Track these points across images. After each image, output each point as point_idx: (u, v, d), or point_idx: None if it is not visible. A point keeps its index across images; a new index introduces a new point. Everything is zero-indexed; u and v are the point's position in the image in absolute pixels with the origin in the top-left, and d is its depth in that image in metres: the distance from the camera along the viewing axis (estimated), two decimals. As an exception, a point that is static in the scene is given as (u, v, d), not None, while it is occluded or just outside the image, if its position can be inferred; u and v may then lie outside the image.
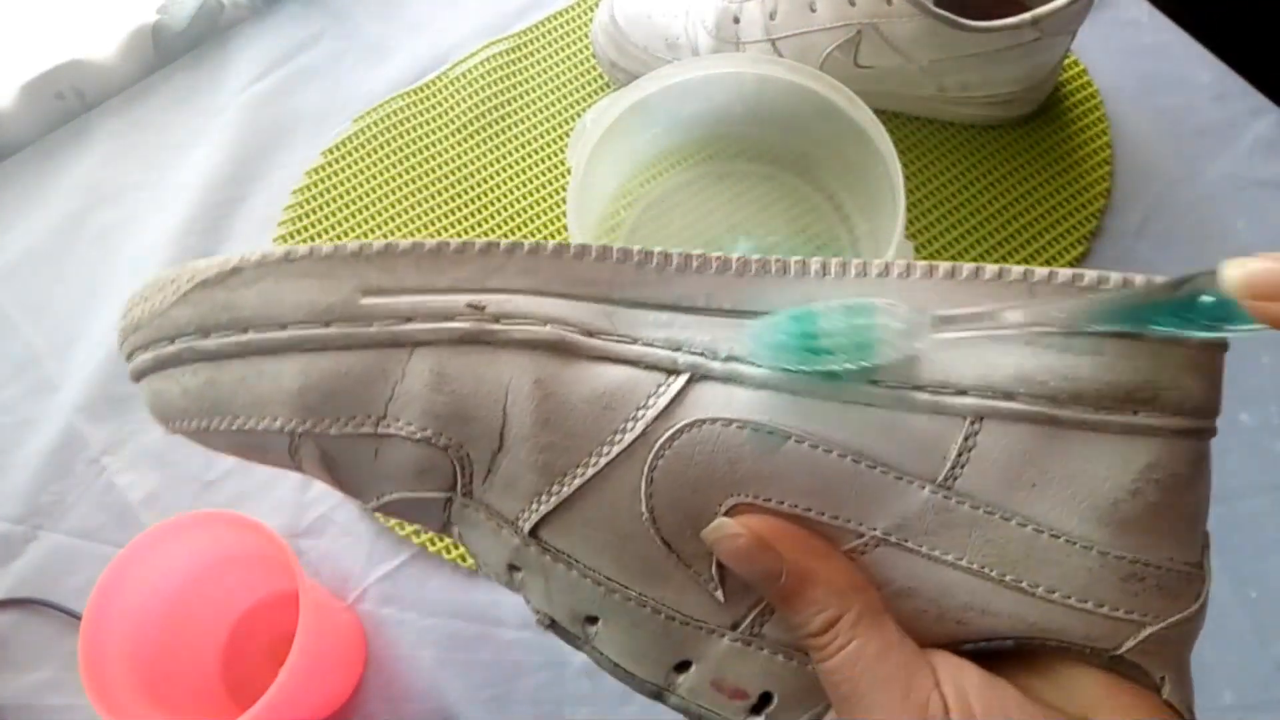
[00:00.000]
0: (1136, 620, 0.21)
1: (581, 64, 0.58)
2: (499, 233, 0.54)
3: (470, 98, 0.57)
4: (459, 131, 0.56)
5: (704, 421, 0.22)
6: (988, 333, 0.21)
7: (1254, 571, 0.45)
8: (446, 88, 0.58)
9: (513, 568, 0.24)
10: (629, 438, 0.22)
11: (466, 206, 0.54)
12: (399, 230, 0.54)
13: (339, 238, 0.54)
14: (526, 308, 0.23)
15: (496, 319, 0.23)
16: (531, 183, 0.55)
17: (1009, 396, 0.21)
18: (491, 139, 0.56)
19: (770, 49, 0.50)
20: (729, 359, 0.22)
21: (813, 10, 0.49)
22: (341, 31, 0.60)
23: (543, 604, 0.24)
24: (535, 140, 0.56)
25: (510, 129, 0.56)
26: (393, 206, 0.54)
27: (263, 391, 0.23)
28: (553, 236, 0.54)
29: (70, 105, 0.57)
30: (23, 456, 0.49)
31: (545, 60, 0.59)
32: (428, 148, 0.56)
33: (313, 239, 0.54)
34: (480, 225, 0.54)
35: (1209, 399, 0.22)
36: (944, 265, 0.23)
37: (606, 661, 0.24)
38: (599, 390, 0.22)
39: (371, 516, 0.47)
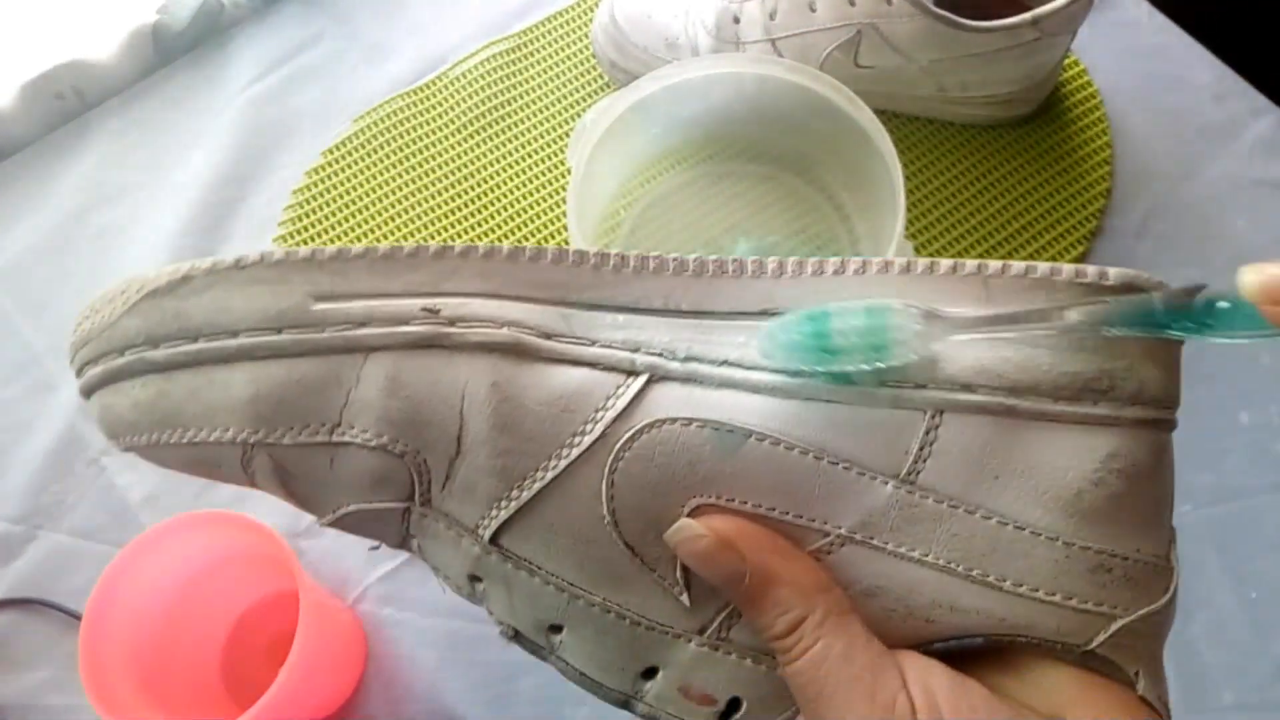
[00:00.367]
0: (1106, 613, 0.21)
1: (581, 64, 0.58)
2: (499, 233, 0.54)
3: (470, 98, 0.57)
4: (459, 131, 0.56)
5: (664, 422, 0.22)
6: (1004, 334, 0.21)
7: (1254, 571, 0.45)
8: (446, 88, 0.58)
9: (474, 578, 0.24)
10: (588, 440, 0.22)
11: (466, 206, 0.54)
12: (399, 230, 0.54)
13: (339, 238, 0.54)
14: (483, 311, 0.22)
15: (452, 322, 0.22)
16: (531, 183, 0.55)
17: (968, 389, 0.21)
18: (491, 139, 0.56)
19: (770, 49, 0.50)
20: (688, 359, 0.22)
21: (813, 10, 0.49)
22: (341, 32, 0.60)
23: (506, 615, 0.24)
24: (535, 140, 0.56)
25: (510, 129, 0.56)
26: (393, 206, 0.54)
27: (213, 401, 0.22)
28: (553, 236, 0.54)
29: (70, 105, 0.57)
30: (23, 456, 0.49)
31: (545, 60, 0.59)
32: (428, 148, 0.56)
33: (313, 239, 0.54)
34: (480, 225, 0.54)
35: (1167, 389, 0.22)
36: (899, 261, 0.23)
37: (572, 671, 0.23)
38: (557, 393, 0.22)
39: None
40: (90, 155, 0.56)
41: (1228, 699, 0.43)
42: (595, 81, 0.58)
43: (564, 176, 0.55)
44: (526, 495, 0.22)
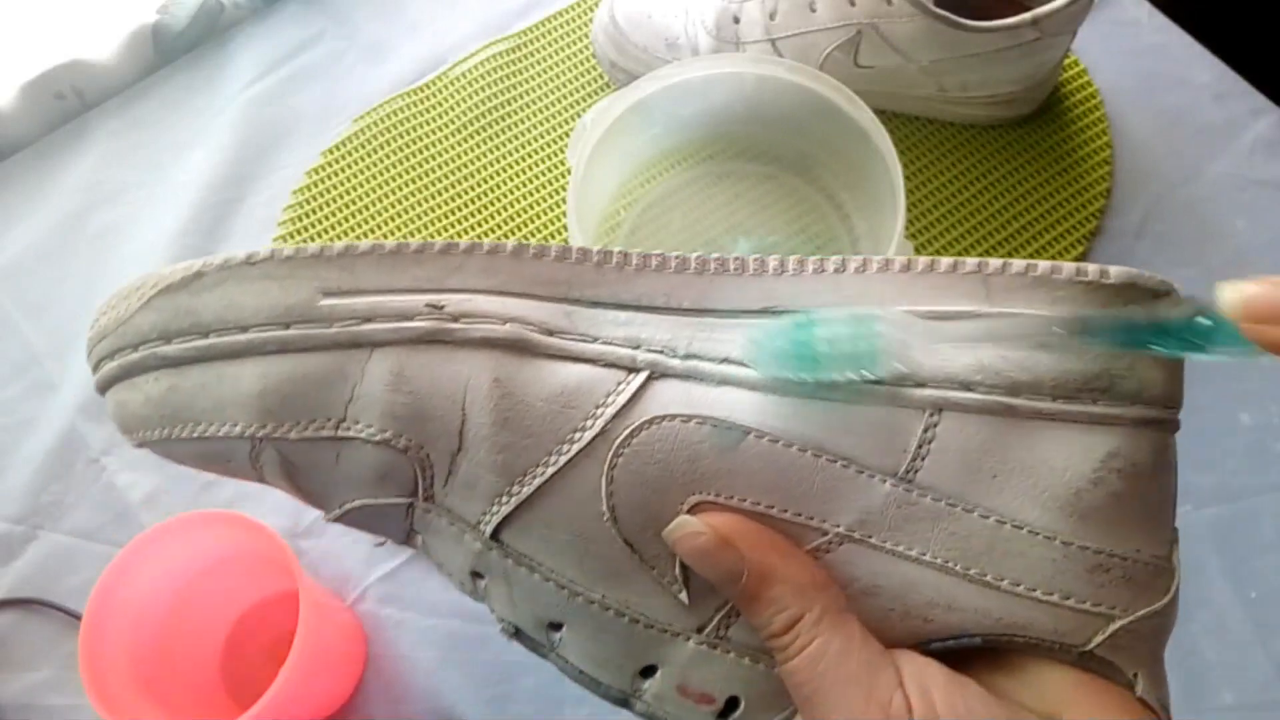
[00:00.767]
0: (1104, 613, 0.21)
1: (581, 64, 0.58)
2: (500, 233, 0.54)
3: (470, 98, 0.57)
4: (459, 131, 0.56)
5: (663, 418, 0.22)
6: (993, 341, 0.21)
7: (1254, 571, 0.45)
8: (446, 88, 0.58)
9: (476, 575, 0.24)
10: (588, 436, 0.22)
11: (466, 206, 0.54)
12: (400, 230, 0.54)
13: (339, 238, 0.54)
14: (486, 307, 0.23)
15: (455, 318, 0.23)
16: (531, 183, 0.55)
17: (967, 387, 0.21)
18: (491, 139, 0.56)
19: (770, 49, 0.50)
20: (689, 356, 0.22)
21: (813, 10, 0.49)
22: (341, 32, 0.60)
23: (507, 612, 0.24)
24: (535, 140, 0.56)
25: (510, 129, 0.56)
26: (393, 206, 0.54)
27: (223, 396, 0.23)
28: (553, 236, 0.54)
29: (70, 105, 0.57)
30: (23, 456, 0.49)
31: (545, 60, 0.59)
32: (428, 148, 0.56)
33: (313, 239, 0.54)
34: (480, 225, 0.54)
35: (1169, 389, 0.22)
36: (899, 259, 0.23)
37: (572, 669, 0.24)
38: (558, 389, 0.22)
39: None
40: (90, 155, 0.56)
41: (1228, 699, 0.43)
42: (595, 81, 0.58)
43: (564, 176, 0.55)
44: (527, 491, 0.22)
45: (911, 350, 0.21)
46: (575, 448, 0.22)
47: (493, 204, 0.54)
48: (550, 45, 0.59)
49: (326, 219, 0.54)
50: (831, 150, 0.49)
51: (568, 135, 0.55)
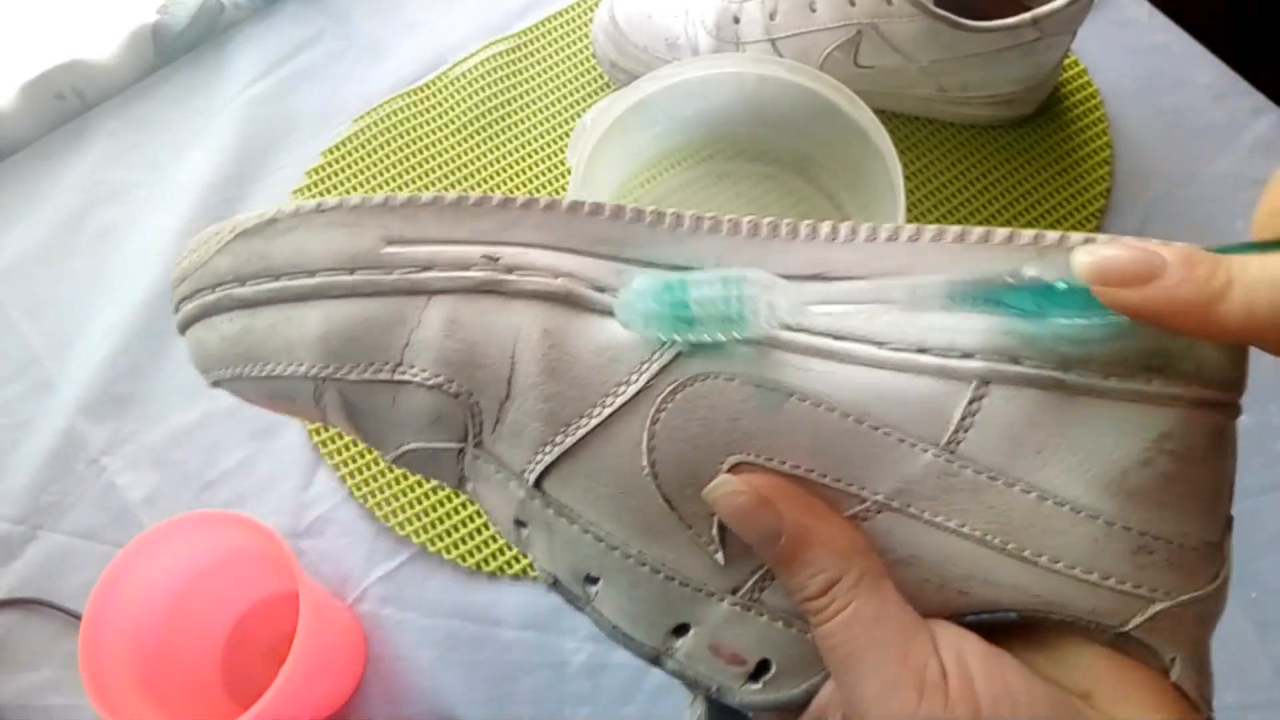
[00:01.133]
0: (1145, 595, 0.21)
1: (581, 64, 0.58)
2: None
3: (470, 98, 0.57)
4: (459, 131, 0.56)
5: (707, 376, 0.22)
6: (861, 304, 0.22)
7: (1254, 571, 0.45)
8: (446, 88, 0.58)
9: (519, 523, 0.24)
10: (632, 390, 0.22)
11: (466, 206, 0.54)
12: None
13: (339, 238, 0.54)
14: (540, 261, 0.23)
15: (510, 270, 0.23)
16: (531, 183, 0.55)
17: (1016, 360, 0.21)
18: (491, 139, 0.56)
19: (770, 49, 0.50)
20: None
21: (813, 10, 0.49)
22: (341, 31, 0.60)
23: (546, 562, 0.24)
24: (535, 140, 0.56)
25: (510, 129, 0.56)
26: (393, 206, 0.54)
27: (290, 337, 0.24)
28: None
29: (70, 105, 0.57)
30: (23, 456, 0.49)
31: (545, 60, 0.59)
32: (428, 148, 0.56)
33: (313, 239, 0.54)
34: (480, 225, 0.54)
35: (1229, 372, 0.21)
36: (953, 229, 0.23)
37: (605, 623, 0.24)
38: (605, 343, 0.23)
39: (375, 517, 0.47)
40: (90, 155, 0.56)
41: (1228, 699, 0.43)
42: (595, 81, 0.58)
43: (564, 176, 0.55)
44: (570, 441, 0.23)
45: (779, 312, 0.21)
46: (619, 400, 0.22)
47: (493, 204, 0.54)
48: (550, 45, 0.59)
49: (326, 219, 0.54)
50: (831, 150, 0.49)
51: (568, 135, 0.55)
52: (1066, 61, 0.56)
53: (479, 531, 0.47)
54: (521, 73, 0.58)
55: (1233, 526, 0.22)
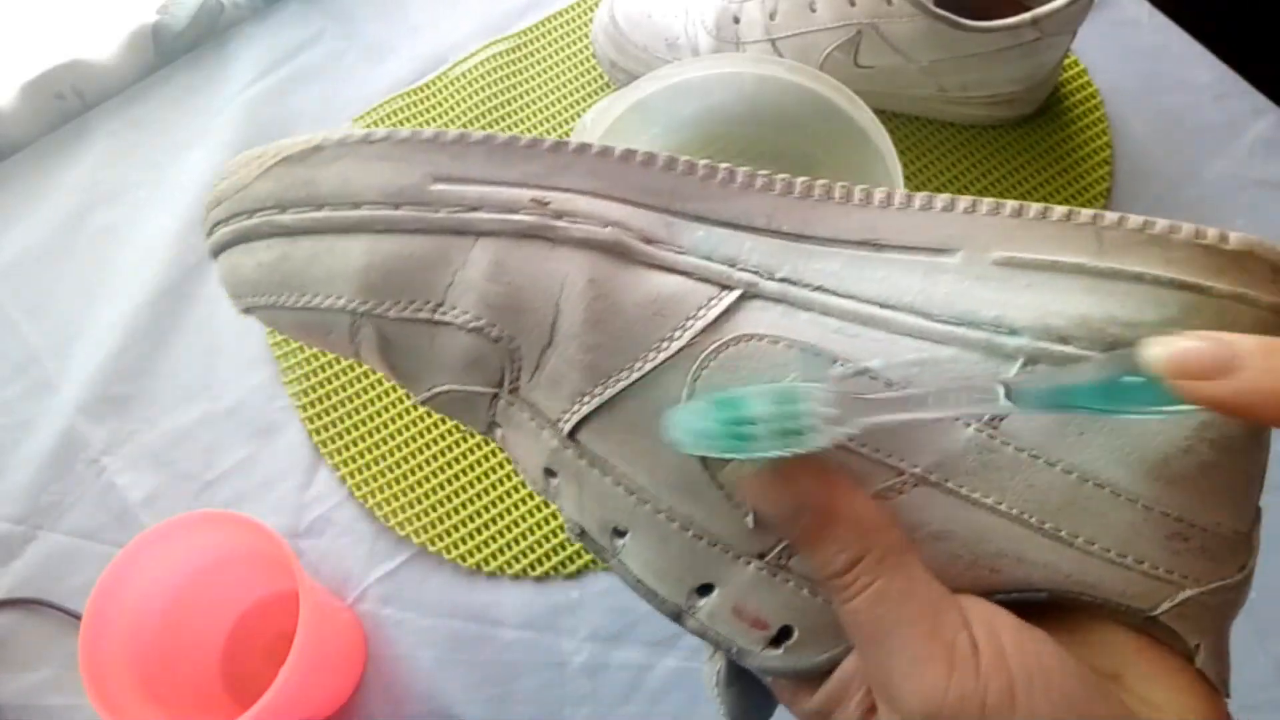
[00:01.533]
0: (1176, 581, 0.21)
1: (581, 64, 0.58)
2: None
3: (470, 98, 0.57)
4: (459, 131, 0.56)
5: (751, 337, 0.22)
6: (913, 416, 0.21)
7: (1254, 572, 0.45)
8: (446, 88, 0.58)
9: (549, 472, 0.24)
10: (676, 346, 0.22)
11: (466, 206, 0.54)
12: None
13: (339, 238, 0.54)
14: (589, 208, 0.23)
15: (559, 215, 0.23)
16: (531, 183, 0.55)
17: (1064, 340, 0.21)
18: (491, 139, 0.56)
19: (770, 49, 0.50)
20: (784, 280, 0.22)
21: (813, 10, 0.49)
22: (341, 31, 0.60)
23: (574, 513, 0.24)
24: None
25: (510, 129, 0.56)
26: (393, 206, 0.54)
27: (331, 268, 0.23)
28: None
29: (70, 105, 0.57)
30: (23, 456, 0.49)
31: (545, 60, 0.59)
32: (428, 148, 0.56)
33: (313, 239, 0.54)
34: (480, 225, 0.54)
35: None
36: (1010, 203, 0.22)
37: (630, 576, 0.24)
38: (651, 296, 0.22)
39: (375, 517, 0.47)
40: (90, 155, 0.56)
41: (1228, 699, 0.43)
42: (595, 81, 0.58)
43: (564, 176, 0.55)
44: (610, 393, 0.22)
45: (843, 426, 0.20)
46: (662, 356, 0.22)
47: (493, 204, 0.54)
48: (550, 45, 0.59)
49: (326, 219, 0.54)
50: (831, 150, 0.49)
51: (568, 135, 0.55)
52: (1066, 61, 0.56)
53: (479, 531, 0.47)
54: (521, 73, 0.58)
55: (1261, 518, 0.22)
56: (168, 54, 0.59)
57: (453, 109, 0.57)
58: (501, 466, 0.48)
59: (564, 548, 0.46)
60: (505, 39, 0.59)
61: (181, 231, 0.54)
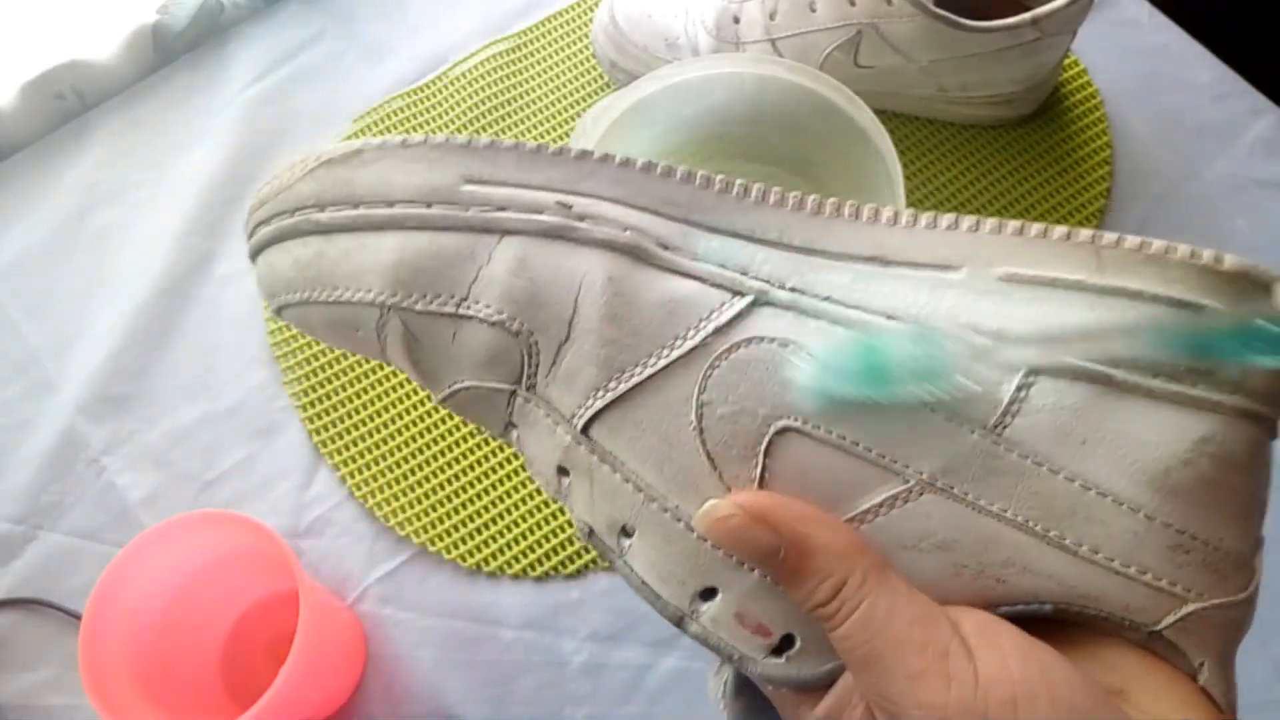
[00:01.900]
0: (1179, 594, 0.21)
1: (581, 64, 0.58)
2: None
3: (470, 98, 0.57)
4: (459, 131, 0.56)
5: (762, 339, 0.23)
6: (1062, 360, 0.21)
7: (1254, 571, 0.45)
8: (446, 88, 0.58)
9: (562, 471, 0.25)
10: (688, 345, 0.23)
11: (466, 206, 0.54)
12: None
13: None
14: (610, 213, 0.24)
15: (581, 218, 0.24)
16: (531, 183, 0.55)
17: (1066, 351, 0.22)
18: (491, 139, 0.56)
19: (770, 49, 0.50)
20: (794, 290, 0.23)
21: (813, 10, 0.49)
22: (341, 31, 0.60)
23: (585, 512, 0.24)
24: (535, 140, 0.56)
25: (510, 129, 0.56)
26: (393, 206, 0.54)
27: (363, 263, 0.24)
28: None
29: (70, 105, 0.57)
30: (23, 456, 0.49)
31: (545, 60, 0.59)
32: (428, 148, 0.56)
33: (313, 239, 0.54)
34: (480, 225, 0.54)
35: (1271, 386, 0.22)
36: (1012, 223, 0.23)
37: (635, 578, 0.24)
38: (666, 297, 0.24)
39: (375, 517, 0.47)
40: (90, 155, 0.56)
41: (1228, 699, 0.43)
42: (595, 81, 0.58)
43: (564, 176, 0.55)
44: (623, 388, 0.23)
45: (980, 366, 0.21)
46: (675, 353, 0.23)
47: (493, 204, 0.54)
48: (550, 45, 0.59)
49: (326, 219, 0.54)
50: (831, 150, 0.49)
51: (568, 135, 0.55)
52: (1066, 61, 0.56)
53: (479, 531, 0.47)
54: (521, 73, 0.58)
55: (1263, 544, 0.22)
56: (168, 54, 0.59)
57: (453, 109, 0.57)
58: (501, 467, 0.48)
59: (564, 548, 0.46)
60: (505, 39, 0.59)
61: (181, 232, 0.54)
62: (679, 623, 0.23)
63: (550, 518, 0.47)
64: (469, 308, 0.24)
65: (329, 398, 0.49)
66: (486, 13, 0.60)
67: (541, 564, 0.46)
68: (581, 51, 0.59)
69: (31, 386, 0.51)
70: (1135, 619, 0.21)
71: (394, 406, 0.49)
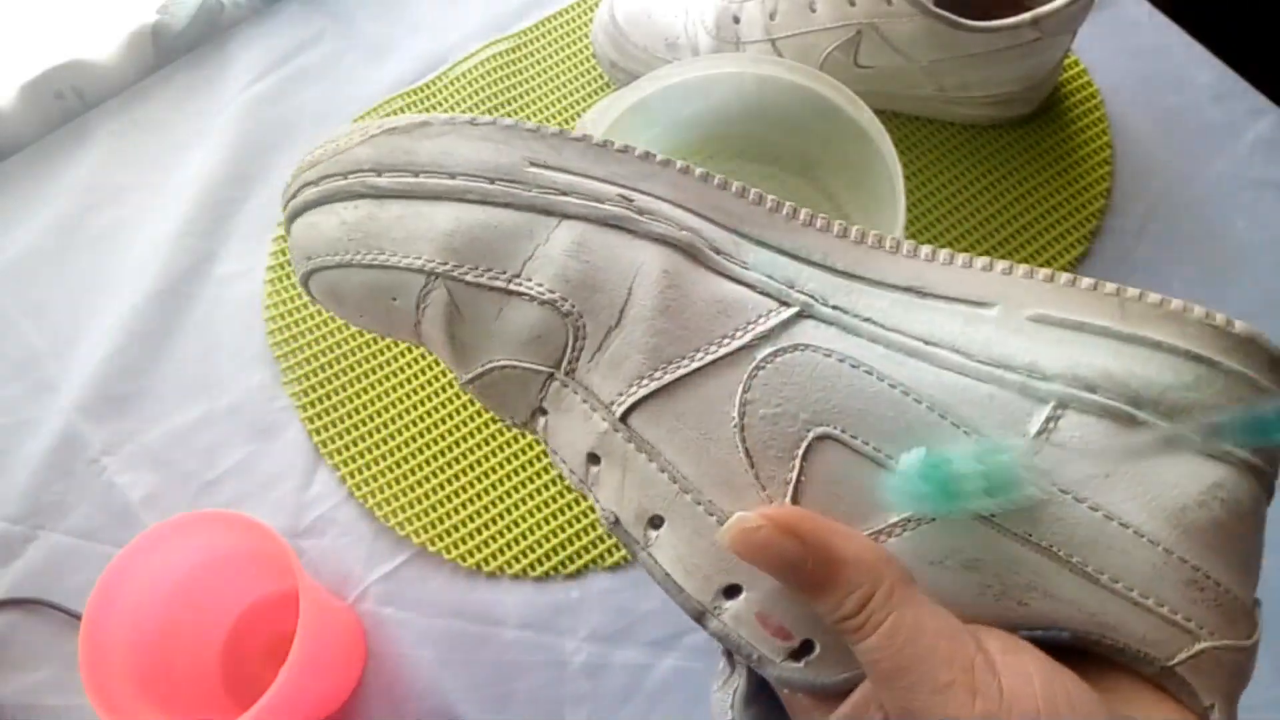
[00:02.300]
0: (1193, 630, 0.21)
1: (581, 64, 0.58)
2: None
3: (470, 98, 0.57)
4: (459, 131, 0.56)
5: (807, 347, 0.23)
6: (1124, 458, 0.22)
7: (1254, 571, 0.45)
8: (446, 88, 0.58)
9: (592, 458, 0.25)
10: (736, 344, 0.24)
11: (466, 206, 0.54)
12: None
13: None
14: (669, 213, 0.25)
15: (641, 212, 0.25)
16: (531, 183, 0.55)
17: (1091, 389, 0.22)
18: (491, 139, 0.56)
19: (770, 49, 0.50)
20: (836, 308, 0.24)
21: (813, 10, 0.49)
22: (341, 31, 0.60)
23: (613, 501, 0.25)
24: (535, 140, 0.56)
25: (510, 129, 0.56)
26: (393, 206, 0.54)
27: (416, 229, 0.25)
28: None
29: (70, 105, 0.57)
30: (23, 456, 0.49)
31: (545, 60, 0.59)
32: (428, 148, 0.56)
33: (313, 239, 0.54)
34: (480, 225, 0.54)
35: (1273, 448, 0.23)
36: (1042, 270, 0.24)
37: (659, 571, 0.24)
38: (718, 296, 0.24)
39: (375, 517, 0.47)
40: (90, 155, 0.56)
41: (1228, 699, 0.43)
42: (595, 81, 0.58)
43: (564, 176, 0.55)
44: (668, 378, 0.24)
45: (1048, 478, 0.22)
46: (722, 351, 0.24)
47: (493, 204, 0.54)
48: (550, 45, 0.59)
49: (326, 219, 0.54)
50: (831, 150, 0.49)
51: (568, 135, 0.55)
52: (1066, 61, 0.56)
53: (479, 531, 0.47)
54: (521, 73, 0.58)
55: (1260, 606, 0.23)
56: (168, 54, 0.59)
57: (453, 109, 0.57)
58: (501, 467, 0.48)
59: (564, 548, 0.46)
60: (505, 39, 0.59)
61: (181, 232, 0.54)
62: (699, 617, 0.24)
63: (550, 518, 0.47)
64: (521, 284, 0.24)
65: (329, 398, 0.49)
66: (486, 13, 0.60)
67: (541, 564, 0.46)
68: (581, 51, 0.59)
69: (31, 386, 0.51)
70: (1150, 652, 0.21)
71: (394, 406, 0.49)
